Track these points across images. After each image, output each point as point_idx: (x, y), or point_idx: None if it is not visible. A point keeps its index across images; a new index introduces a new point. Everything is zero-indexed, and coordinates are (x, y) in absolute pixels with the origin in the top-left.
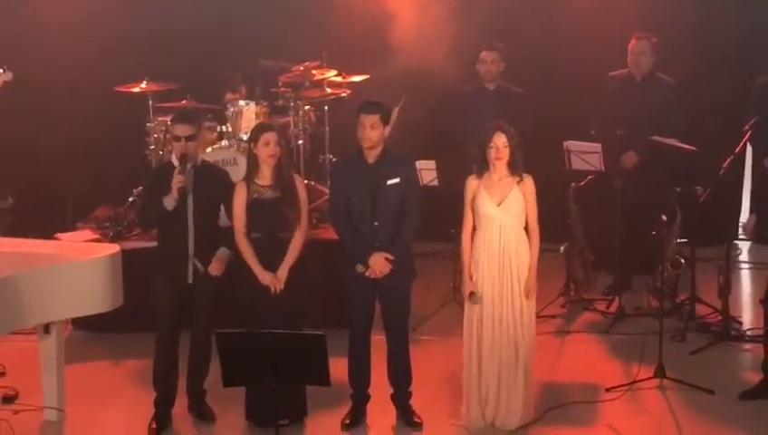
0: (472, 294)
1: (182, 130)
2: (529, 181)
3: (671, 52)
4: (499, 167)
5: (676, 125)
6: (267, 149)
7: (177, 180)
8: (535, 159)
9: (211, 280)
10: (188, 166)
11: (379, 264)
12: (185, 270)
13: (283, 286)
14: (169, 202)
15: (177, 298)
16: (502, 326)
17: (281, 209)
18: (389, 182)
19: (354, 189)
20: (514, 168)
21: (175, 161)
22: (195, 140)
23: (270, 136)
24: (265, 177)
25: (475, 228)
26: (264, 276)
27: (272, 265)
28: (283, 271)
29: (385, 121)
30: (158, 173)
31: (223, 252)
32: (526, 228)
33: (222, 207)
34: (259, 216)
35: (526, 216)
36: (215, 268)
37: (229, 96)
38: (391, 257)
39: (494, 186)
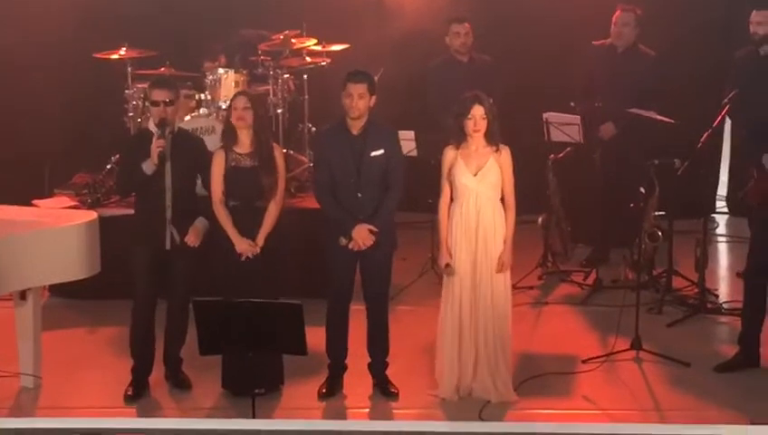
0: (447, 265)
1: (160, 94)
2: (506, 152)
3: (652, 23)
4: (477, 138)
5: (656, 97)
6: (235, 113)
7: (156, 144)
8: (514, 131)
9: (188, 249)
10: (167, 131)
11: (362, 236)
12: (162, 237)
13: (259, 252)
14: (149, 167)
15: (154, 265)
16: (478, 298)
17: (258, 178)
18: (373, 154)
19: (338, 160)
20: (491, 138)
21: (152, 127)
22: (173, 106)
23: (238, 101)
24: (244, 145)
25: (452, 200)
26: (240, 243)
27: (248, 233)
28: (260, 239)
29: (371, 92)
30: (135, 140)
31: (200, 222)
32: (503, 200)
33: (198, 176)
34: (237, 184)
35: (503, 187)
36: (191, 239)
37: (208, 65)
38: (375, 230)
39: (470, 156)
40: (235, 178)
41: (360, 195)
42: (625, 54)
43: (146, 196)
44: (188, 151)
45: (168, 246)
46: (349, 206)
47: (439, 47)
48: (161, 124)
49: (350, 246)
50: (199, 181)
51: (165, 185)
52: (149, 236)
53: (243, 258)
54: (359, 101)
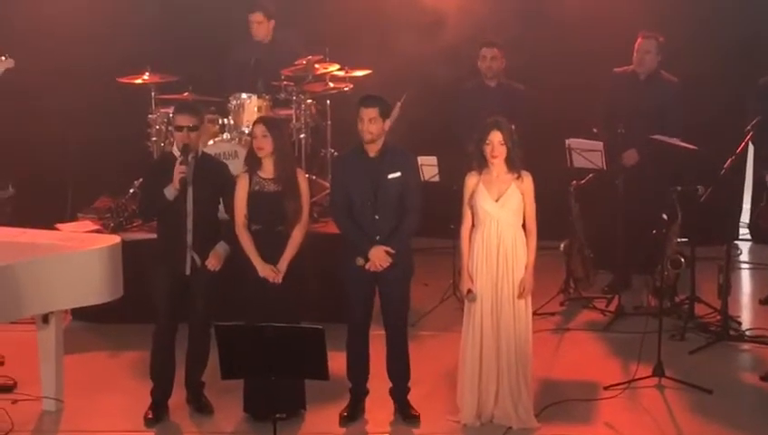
0: (469, 291)
1: (185, 120)
2: (527, 178)
3: (675, 50)
4: (497, 164)
5: (678, 124)
6: (255, 142)
7: (178, 170)
8: (537, 157)
9: (209, 273)
10: (190, 156)
11: (379, 257)
12: (183, 262)
13: (281, 279)
14: (170, 192)
15: (175, 290)
16: (500, 324)
17: (281, 203)
18: (390, 176)
19: (355, 183)
20: (512, 165)
21: (176, 152)
22: (197, 131)
23: (257, 129)
24: (268, 170)
25: (473, 226)
26: (263, 268)
27: (270, 258)
28: (283, 264)
29: (384, 115)
30: (158, 164)
31: (221, 246)
32: (524, 226)
33: (221, 201)
34: (259, 208)
35: (524, 213)
36: (212, 263)
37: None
38: (392, 251)
39: (492, 182)
40: (258, 203)
41: (377, 217)
42: (647, 81)
43: (168, 220)
44: (212, 176)
45: (188, 271)
46: (366, 228)
47: (465, 72)
48: (184, 149)
49: (367, 266)
50: (222, 206)
51: (186, 209)
52: (170, 261)
53: (268, 283)
54: (370, 125)
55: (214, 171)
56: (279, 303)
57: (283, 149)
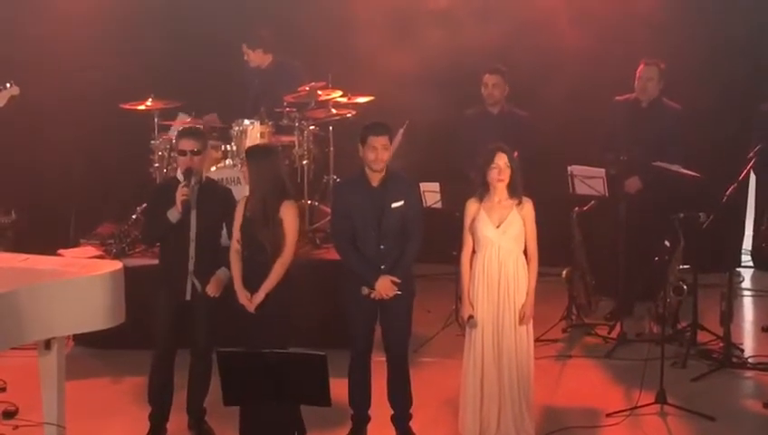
0: (470, 317)
1: (188, 144)
2: (528, 205)
3: (678, 77)
4: (500, 189)
5: (680, 151)
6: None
7: (181, 193)
8: (540, 183)
9: (209, 299)
10: (193, 181)
11: (385, 287)
12: (183, 287)
13: (254, 309)
14: (173, 215)
15: (175, 315)
16: (501, 350)
17: (259, 235)
18: (394, 205)
19: (359, 212)
20: (514, 190)
21: (180, 176)
22: (200, 156)
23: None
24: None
25: (474, 252)
26: (241, 295)
27: (252, 283)
28: (259, 295)
29: (391, 142)
30: (162, 188)
31: (222, 272)
32: (525, 252)
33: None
34: (246, 235)
35: (525, 239)
36: (212, 289)
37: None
38: (398, 281)
39: (493, 208)
40: (246, 230)
41: (382, 247)
42: (650, 108)
43: (170, 245)
44: (215, 201)
45: (188, 296)
46: (370, 257)
47: (466, 98)
48: (187, 173)
49: (372, 296)
50: (224, 231)
51: (190, 236)
52: (171, 286)
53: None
54: (383, 153)
55: (217, 196)
56: (257, 329)
57: (261, 180)
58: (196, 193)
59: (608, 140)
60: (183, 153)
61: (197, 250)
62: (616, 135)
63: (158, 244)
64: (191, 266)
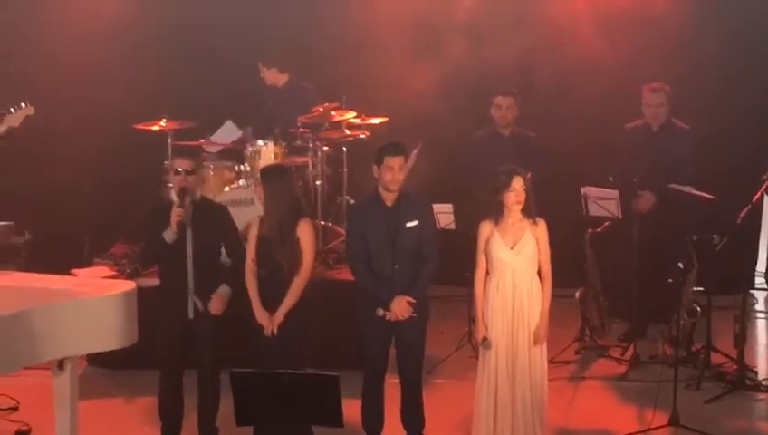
0: (484, 339)
1: (182, 163)
2: (542, 225)
3: (695, 100)
4: (515, 211)
5: (693, 172)
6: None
7: (175, 213)
8: (553, 205)
9: (212, 318)
10: (187, 200)
11: (401, 308)
12: (185, 306)
13: (276, 330)
14: (169, 235)
15: (179, 335)
16: (515, 371)
17: (276, 254)
18: (408, 225)
19: (373, 233)
20: (528, 212)
21: (174, 196)
22: (194, 175)
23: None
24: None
25: (488, 273)
26: (260, 315)
27: (271, 302)
28: (280, 315)
29: (406, 162)
30: (159, 210)
31: (223, 289)
32: (539, 273)
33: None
34: (262, 254)
35: (539, 260)
36: (215, 307)
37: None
38: (413, 301)
39: (507, 230)
40: (264, 248)
41: (396, 266)
42: (661, 132)
43: (169, 265)
44: (210, 220)
45: (191, 314)
46: (385, 277)
47: (479, 120)
48: (181, 193)
49: (388, 317)
50: (224, 250)
51: (186, 253)
52: (173, 306)
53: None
54: (399, 174)
55: (212, 215)
56: (274, 350)
57: (276, 200)
58: (191, 212)
59: (627, 166)
60: (177, 173)
61: (196, 269)
62: (632, 163)
63: (156, 263)
64: (191, 285)
